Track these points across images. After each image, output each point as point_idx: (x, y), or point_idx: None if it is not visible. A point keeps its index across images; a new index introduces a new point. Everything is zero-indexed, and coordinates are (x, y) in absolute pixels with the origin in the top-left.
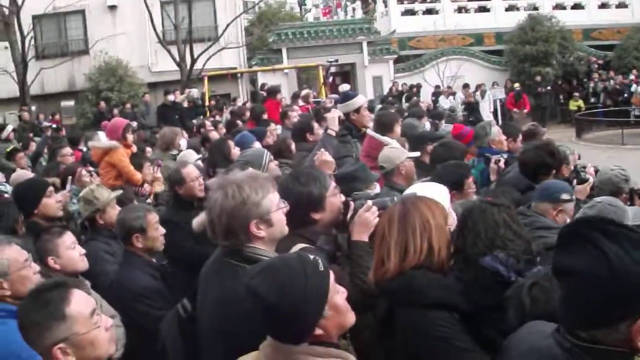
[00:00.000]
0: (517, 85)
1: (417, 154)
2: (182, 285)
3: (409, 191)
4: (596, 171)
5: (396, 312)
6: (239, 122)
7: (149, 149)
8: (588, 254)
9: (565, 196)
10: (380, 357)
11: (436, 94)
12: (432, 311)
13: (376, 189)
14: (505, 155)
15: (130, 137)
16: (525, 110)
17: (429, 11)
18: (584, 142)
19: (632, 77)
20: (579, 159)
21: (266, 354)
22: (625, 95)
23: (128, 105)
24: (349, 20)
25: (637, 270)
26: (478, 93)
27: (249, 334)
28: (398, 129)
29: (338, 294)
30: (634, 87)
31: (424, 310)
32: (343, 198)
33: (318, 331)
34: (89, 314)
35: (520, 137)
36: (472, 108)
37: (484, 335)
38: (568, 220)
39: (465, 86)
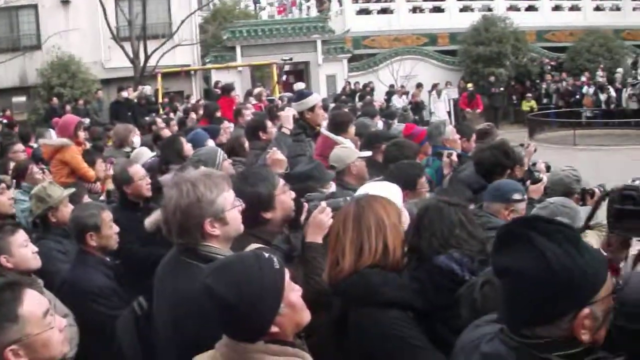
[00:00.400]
0: (470, 85)
1: (368, 153)
2: (134, 284)
3: (360, 191)
4: (547, 167)
5: (351, 311)
6: (192, 118)
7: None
8: (525, 253)
9: (516, 196)
10: (335, 357)
11: (389, 93)
12: (387, 310)
13: (332, 188)
14: (458, 150)
15: (81, 134)
16: (478, 111)
17: (383, 10)
18: (536, 143)
19: (583, 79)
20: (535, 151)
21: (222, 353)
22: (577, 96)
23: (81, 102)
24: (303, 18)
25: (574, 265)
26: (434, 92)
27: (205, 332)
28: (352, 129)
29: (293, 292)
30: (585, 89)
31: (379, 308)
32: (293, 195)
33: (274, 329)
34: (42, 315)
35: (474, 136)
36: (417, 108)
37: (439, 334)
38: None
39: (419, 86)
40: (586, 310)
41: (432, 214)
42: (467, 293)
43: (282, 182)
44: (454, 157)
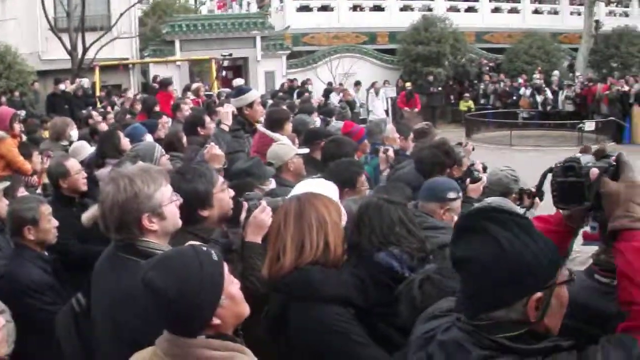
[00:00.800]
0: (409, 84)
1: (306, 150)
2: (71, 281)
3: (297, 188)
4: (484, 168)
5: (291, 308)
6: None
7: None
8: (481, 242)
9: (451, 195)
10: (272, 356)
11: (328, 90)
12: (328, 306)
13: (271, 184)
14: (397, 148)
15: (17, 126)
16: (416, 110)
17: (324, 8)
18: (473, 142)
19: (521, 80)
20: (473, 150)
21: (163, 349)
22: (514, 97)
23: (16, 93)
24: (243, 14)
25: (527, 252)
26: (372, 91)
27: (145, 329)
28: (289, 126)
29: (233, 284)
30: (522, 91)
31: (320, 305)
32: (232, 193)
33: (216, 321)
34: None
35: (412, 135)
36: (349, 106)
37: (379, 331)
38: (455, 218)
39: (357, 84)
40: (538, 294)
41: (372, 211)
42: (406, 290)
43: (221, 180)
44: (390, 153)
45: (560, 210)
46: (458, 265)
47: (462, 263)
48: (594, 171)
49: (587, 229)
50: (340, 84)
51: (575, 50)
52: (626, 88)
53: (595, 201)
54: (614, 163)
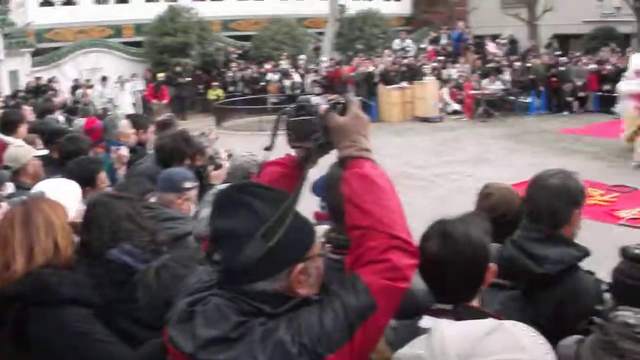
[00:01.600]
0: (162, 75)
1: (45, 151)
2: None
3: (35, 190)
4: (229, 155)
5: (29, 314)
6: None
7: None
8: (242, 216)
9: (187, 184)
10: None
11: (75, 87)
12: (67, 308)
13: (9, 189)
14: (132, 143)
15: None
16: (165, 101)
17: (67, 2)
18: (223, 130)
19: (268, 66)
20: (217, 139)
21: None
22: (262, 83)
23: None
24: None
25: (286, 224)
26: (118, 85)
27: None
28: (23, 128)
29: None
30: (270, 76)
31: (58, 308)
32: None
33: None
34: None
35: (154, 128)
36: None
37: (120, 327)
38: (193, 207)
39: (104, 79)
40: (300, 265)
41: (98, 209)
42: (140, 281)
43: None
44: (122, 152)
45: (294, 152)
46: (219, 238)
47: (222, 236)
48: (323, 107)
49: (318, 209)
50: (87, 80)
51: (322, 34)
52: (371, 68)
53: (324, 135)
54: (342, 101)
